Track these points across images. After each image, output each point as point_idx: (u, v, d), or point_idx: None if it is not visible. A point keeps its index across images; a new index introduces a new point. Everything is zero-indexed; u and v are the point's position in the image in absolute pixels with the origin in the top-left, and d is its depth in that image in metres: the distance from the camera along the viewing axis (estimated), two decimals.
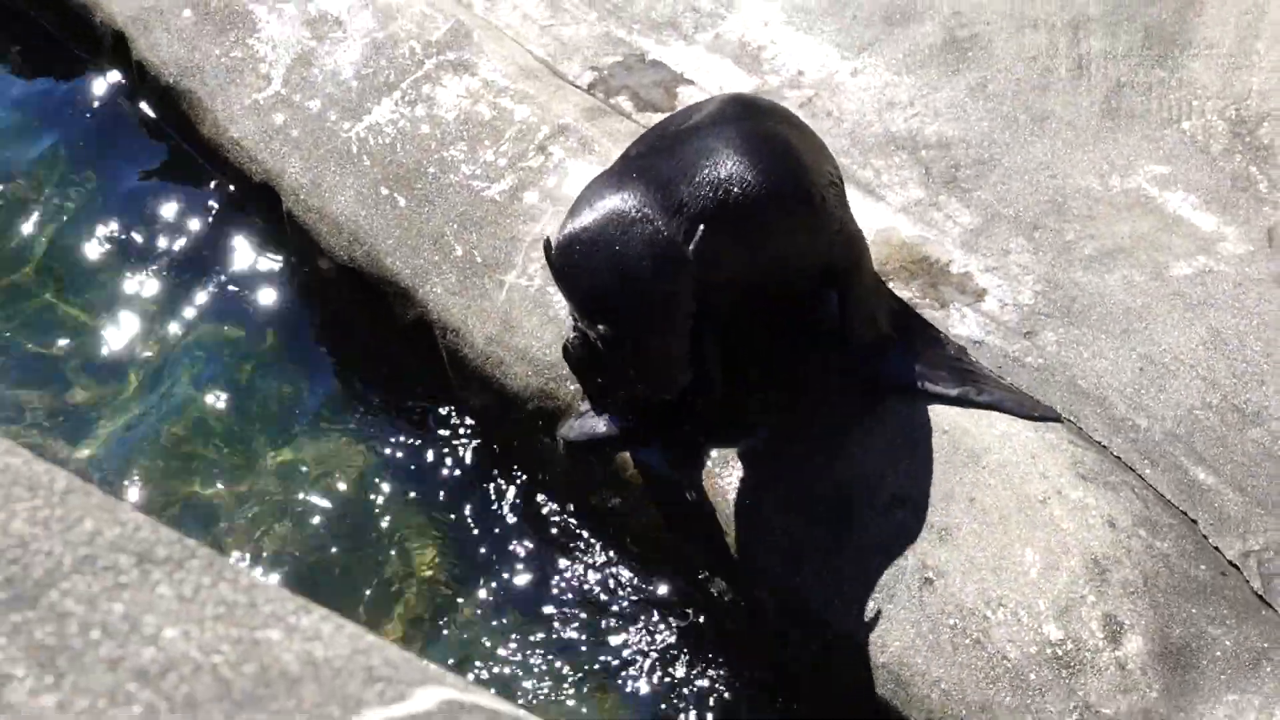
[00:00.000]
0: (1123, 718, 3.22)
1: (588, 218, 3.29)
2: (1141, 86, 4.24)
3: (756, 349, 3.72)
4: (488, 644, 3.89)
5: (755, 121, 3.53)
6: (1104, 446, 3.60)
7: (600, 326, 3.30)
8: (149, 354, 4.56)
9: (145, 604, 2.58)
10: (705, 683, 3.82)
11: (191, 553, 2.77)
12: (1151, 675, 3.26)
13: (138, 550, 2.70)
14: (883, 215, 4.04)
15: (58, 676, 2.47)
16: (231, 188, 4.66)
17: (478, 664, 3.84)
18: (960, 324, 3.83)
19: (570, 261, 3.31)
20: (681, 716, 3.76)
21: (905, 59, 4.39)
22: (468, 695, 2.55)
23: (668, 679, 3.82)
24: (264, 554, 4.11)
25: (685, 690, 3.79)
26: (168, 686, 2.47)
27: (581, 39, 4.52)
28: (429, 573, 4.03)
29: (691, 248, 3.25)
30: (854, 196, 3.87)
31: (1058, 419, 3.63)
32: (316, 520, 4.16)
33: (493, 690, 2.90)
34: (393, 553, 4.10)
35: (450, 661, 3.80)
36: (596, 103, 4.32)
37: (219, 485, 4.25)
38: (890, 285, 3.89)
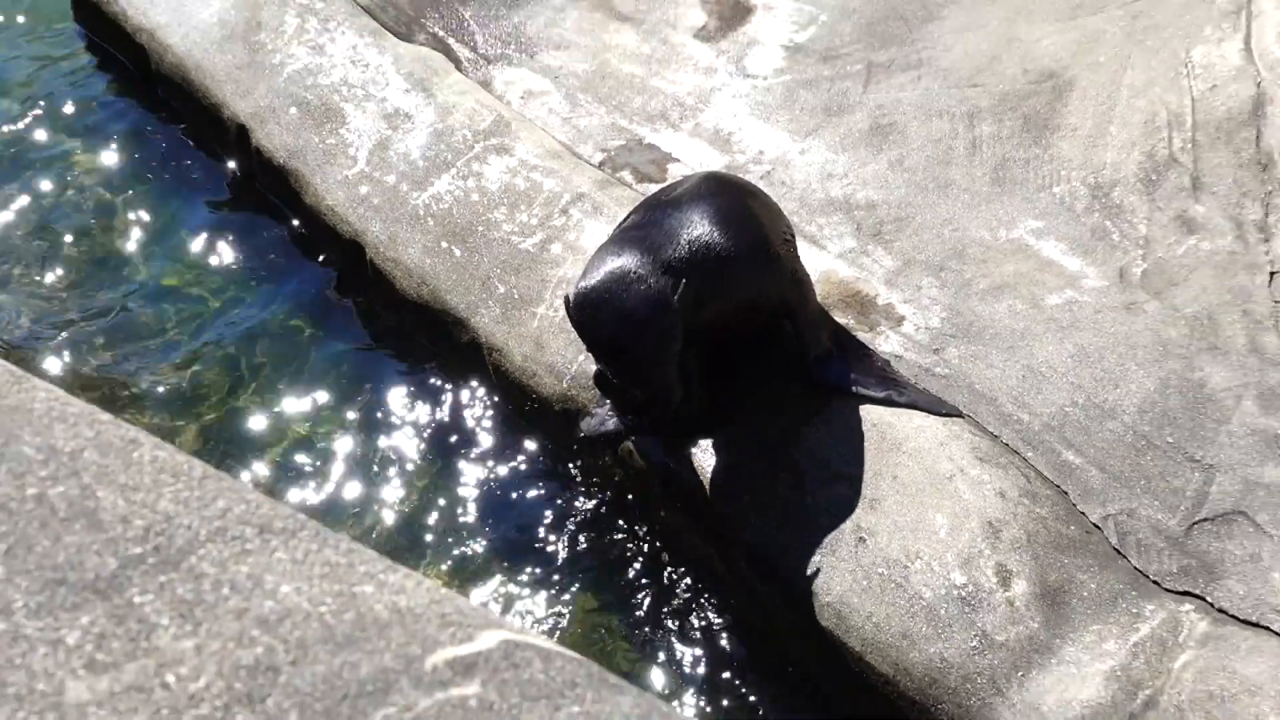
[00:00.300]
0: (1012, 643, 3.25)
1: (596, 279, 3.36)
2: (1021, 161, 4.27)
3: (730, 365, 3.80)
4: (522, 591, 3.91)
5: (724, 195, 3.62)
6: (995, 436, 3.68)
7: (607, 364, 3.41)
8: (261, 360, 4.56)
9: (265, 566, 2.56)
10: (688, 617, 3.83)
11: (302, 525, 2.74)
12: (1034, 611, 3.30)
13: (259, 523, 2.68)
14: (825, 260, 4.09)
15: (195, 625, 2.44)
16: (327, 243, 4.62)
17: (517, 608, 3.86)
18: (885, 343, 3.87)
19: (584, 315, 3.38)
20: (669, 642, 3.76)
21: (840, 141, 4.41)
22: (522, 637, 2.53)
23: (659, 615, 3.88)
24: (353, 521, 4.14)
25: (671, 623, 3.85)
26: (283, 631, 2.45)
27: (594, 128, 4.53)
28: (477, 536, 4.02)
29: (676, 298, 3.31)
30: (803, 246, 3.98)
31: (960, 415, 3.72)
32: (386, 492, 4.23)
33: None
34: (449, 519, 4.13)
35: (498, 607, 3.75)
36: (606, 176, 4.36)
37: (320, 462, 4.29)
38: (831, 313, 3.95)
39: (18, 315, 4.74)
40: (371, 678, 2.43)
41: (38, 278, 4.88)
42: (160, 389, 4.49)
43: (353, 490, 4.21)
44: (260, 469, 4.30)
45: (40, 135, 5.46)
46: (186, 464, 2.91)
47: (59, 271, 4.91)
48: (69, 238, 5.03)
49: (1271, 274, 3.93)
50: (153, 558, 2.60)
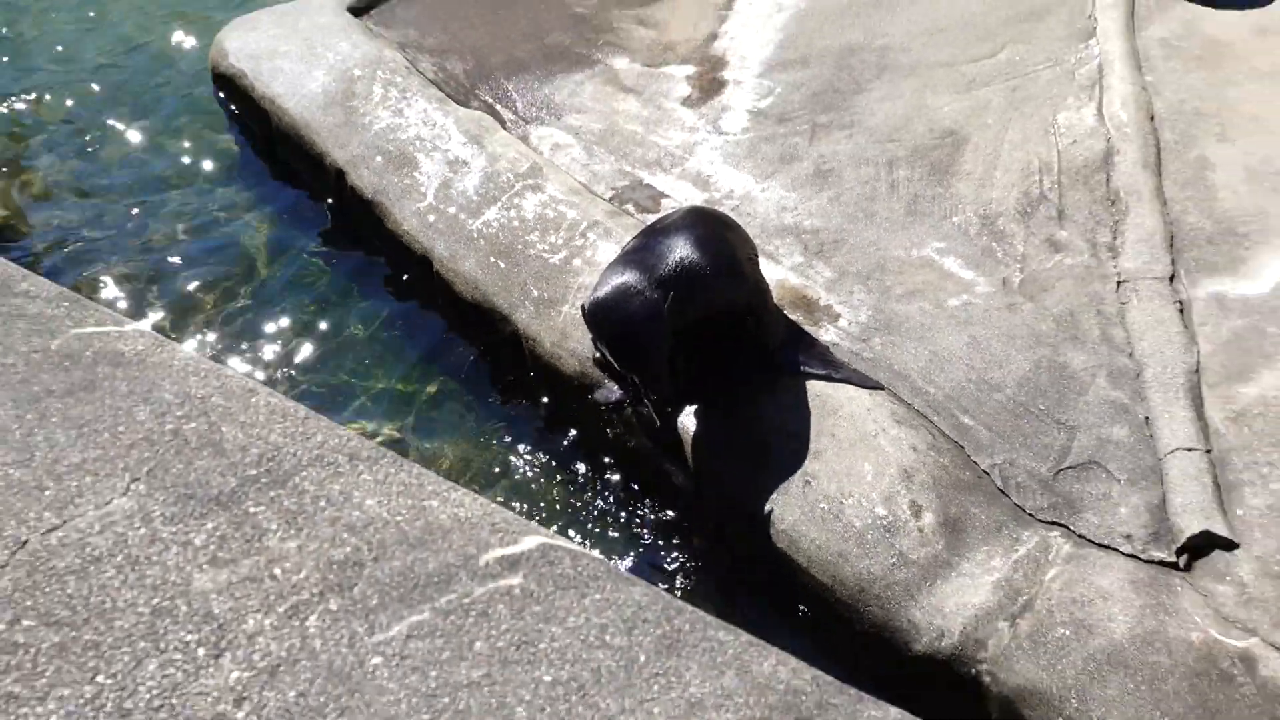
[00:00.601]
0: (923, 560, 3.25)
1: (604, 292, 3.38)
2: (928, 197, 4.26)
3: (709, 353, 3.76)
4: (552, 509, 3.94)
5: (704, 224, 3.60)
6: (909, 404, 3.68)
7: (614, 357, 3.44)
8: (358, 347, 4.59)
9: (353, 485, 2.56)
10: (674, 546, 3.82)
11: (383, 454, 2.72)
12: (939, 536, 3.29)
13: (349, 452, 2.67)
14: (780, 272, 4.07)
15: (297, 530, 2.43)
16: (403, 259, 4.64)
17: (548, 519, 3.88)
18: (825, 334, 3.86)
19: (596, 320, 3.41)
20: (659, 555, 3.78)
21: (792, 182, 4.40)
22: (556, 541, 2.52)
23: (652, 536, 3.88)
24: (426, 452, 4.15)
25: (661, 550, 3.83)
26: (368, 535, 2.44)
27: (605, 172, 4.52)
28: (520, 469, 4.08)
29: (666, 307, 3.34)
30: (763, 261, 3.97)
31: (881, 388, 3.71)
32: (450, 436, 4.23)
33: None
34: (500, 456, 4.18)
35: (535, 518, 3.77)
36: (614, 208, 4.35)
37: (400, 413, 4.33)
38: (785, 311, 3.92)
39: (167, 306, 4.75)
40: (437, 571, 2.43)
41: (187, 281, 4.88)
42: (282, 364, 4.50)
43: (426, 431, 4.22)
44: (357, 411, 4.33)
45: (186, 174, 5.45)
46: (293, 407, 2.92)
47: (206, 277, 4.93)
48: (211, 249, 5.03)
49: (1118, 282, 3.91)
50: (265, 478, 2.60)
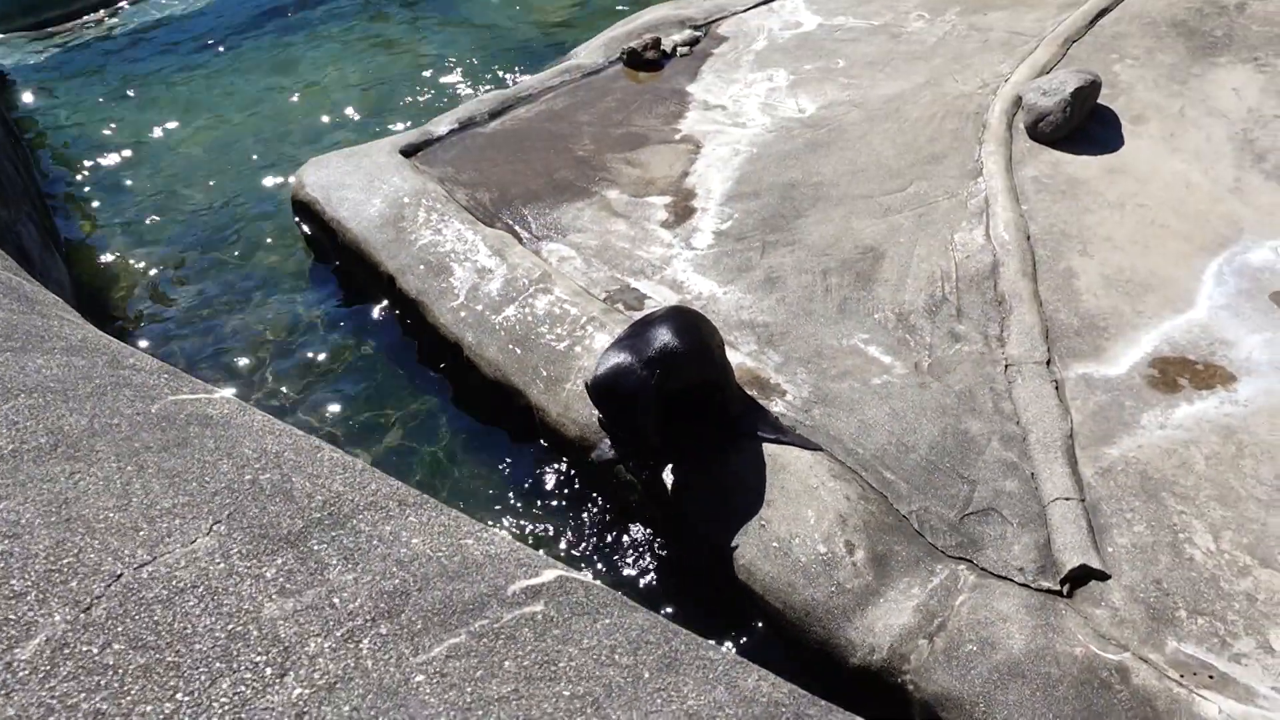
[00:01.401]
0: (856, 589, 3.14)
1: (603, 372, 3.34)
2: (855, 299, 4.24)
3: (684, 420, 3.67)
4: (558, 546, 3.77)
5: (681, 318, 3.55)
6: (843, 462, 3.59)
7: (611, 422, 3.41)
8: (397, 415, 4.52)
9: (401, 526, 2.43)
10: (658, 572, 3.67)
11: (426, 500, 2.60)
12: (869, 569, 3.18)
13: (398, 499, 2.55)
14: (739, 356, 4.03)
15: (354, 564, 2.30)
16: (439, 346, 4.56)
17: (558, 555, 3.73)
18: (775, 406, 3.80)
19: (597, 394, 3.38)
20: (647, 580, 3.61)
21: (747, 286, 4.37)
22: (571, 573, 2.40)
23: (641, 564, 3.74)
24: (458, 499, 4.03)
25: (650, 575, 3.66)
26: (414, 569, 2.31)
27: (601, 278, 4.48)
28: (532, 515, 3.91)
29: (654, 383, 3.30)
30: (727, 348, 3.85)
31: (821, 449, 3.65)
32: (475, 488, 4.12)
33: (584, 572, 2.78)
34: (517, 504, 4.05)
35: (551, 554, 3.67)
36: (608, 307, 4.33)
37: (436, 471, 4.28)
38: (744, 388, 3.82)
39: (249, 380, 4.67)
40: (472, 600, 2.32)
41: (267, 361, 4.84)
42: (342, 424, 4.42)
43: (456, 483, 4.12)
44: (399, 465, 4.23)
45: (270, 277, 5.41)
46: (352, 461, 2.83)
47: (282, 356, 4.88)
48: (287, 336, 4.97)
49: (1006, 366, 3.86)
50: (327, 520, 2.49)
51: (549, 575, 2.48)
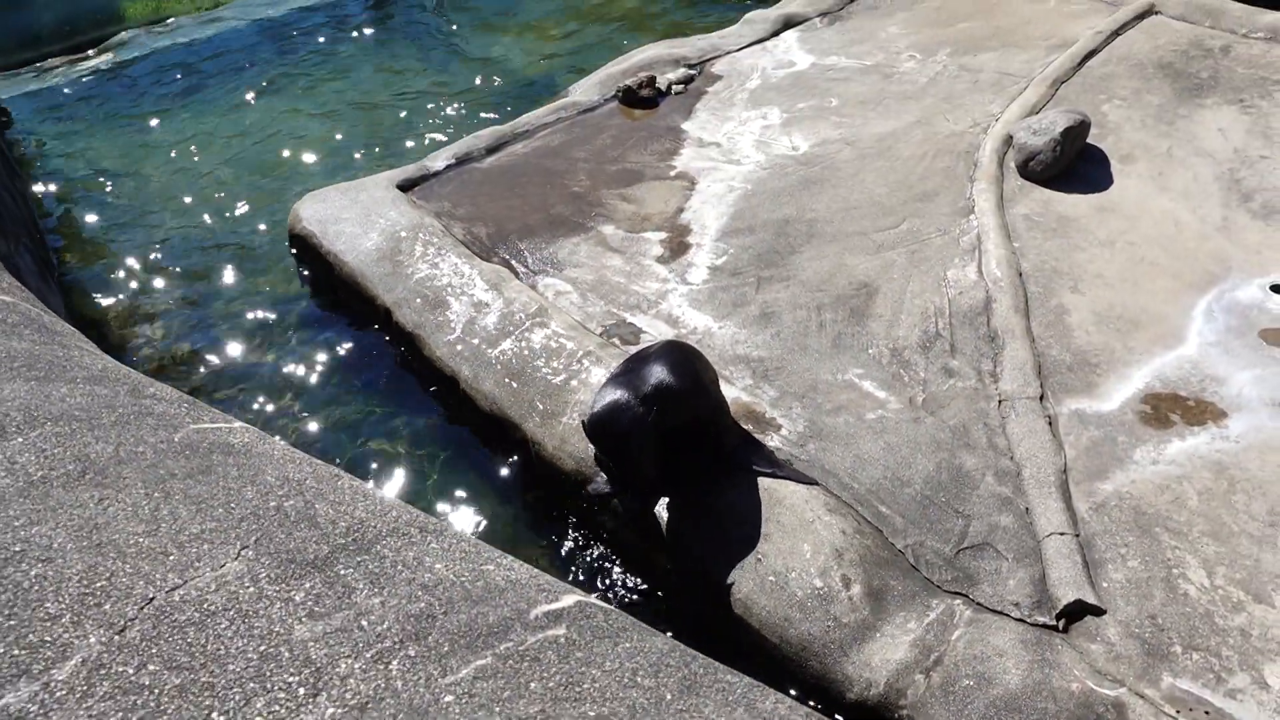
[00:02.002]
0: (853, 624, 3.14)
1: (600, 409, 3.34)
2: (849, 334, 4.28)
3: (681, 455, 3.67)
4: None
5: (676, 353, 3.57)
6: (839, 497, 3.60)
7: (609, 458, 3.40)
8: (401, 446, 4.51)
9: (424, 551, 2.45)
10: (650, 601, 3.66)
11: (447, 527, 2.63)
12: (865, 604, 3.19)
13: (420, 525, 2.57)
14: (734, 391, 4.05)
15: (380, 588, 2.32)
16: (436, 379, 4.57)
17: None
18: (770, 440, 3.82)
19: (594, 431, 3.37)
20: (644, 616, 3.61)
21: (742, 321, 4.41)
22: (590, 599, 2.42)
23: (635, 600, 3.74)
24: (464, 526, 4.01)
25: (643, 604, 3.63)
26: (438, 593, 2.33)
27: (597, 312, 4.51)
28: (531, 547, 3.90)
29: (650, 420, 3.30)
30: (722, 383, 3.91)
31: (816, 484, 3.66)
32: (475, 518, 4.05)
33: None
34: (513, 534, 4.05)
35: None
36: (604, 341, 4.35)
37: (437, 498, 4.19)
38: (739, 422, 3.85)
39: (255, 410, 4.67)
40: (496, 623, 2.34)
41: (268, 393, 4.85)
42: (339, 457, 4.41)
43: (458, 517, 4.10)
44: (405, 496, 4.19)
45: (267, 311, 5.43)
46: (372, 489, 2.88)
47: (282, 388, 4.90)
48: (286, 368, 4.98)
49: (999, 401, 3.90)
50: (352, 546, 2.51)
51: (569, 600, 2.52)
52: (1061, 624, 3.09)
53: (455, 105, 7.60)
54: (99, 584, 2.18)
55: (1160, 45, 6.46)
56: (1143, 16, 6.83)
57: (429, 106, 7.61)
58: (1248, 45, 6.35)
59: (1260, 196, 5.00)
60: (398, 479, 4.32)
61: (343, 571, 2.38)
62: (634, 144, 5.93)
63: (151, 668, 2.02)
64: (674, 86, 6.52)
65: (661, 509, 3.61)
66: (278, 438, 3.08)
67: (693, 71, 6.71)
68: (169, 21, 9.57)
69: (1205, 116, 5.68)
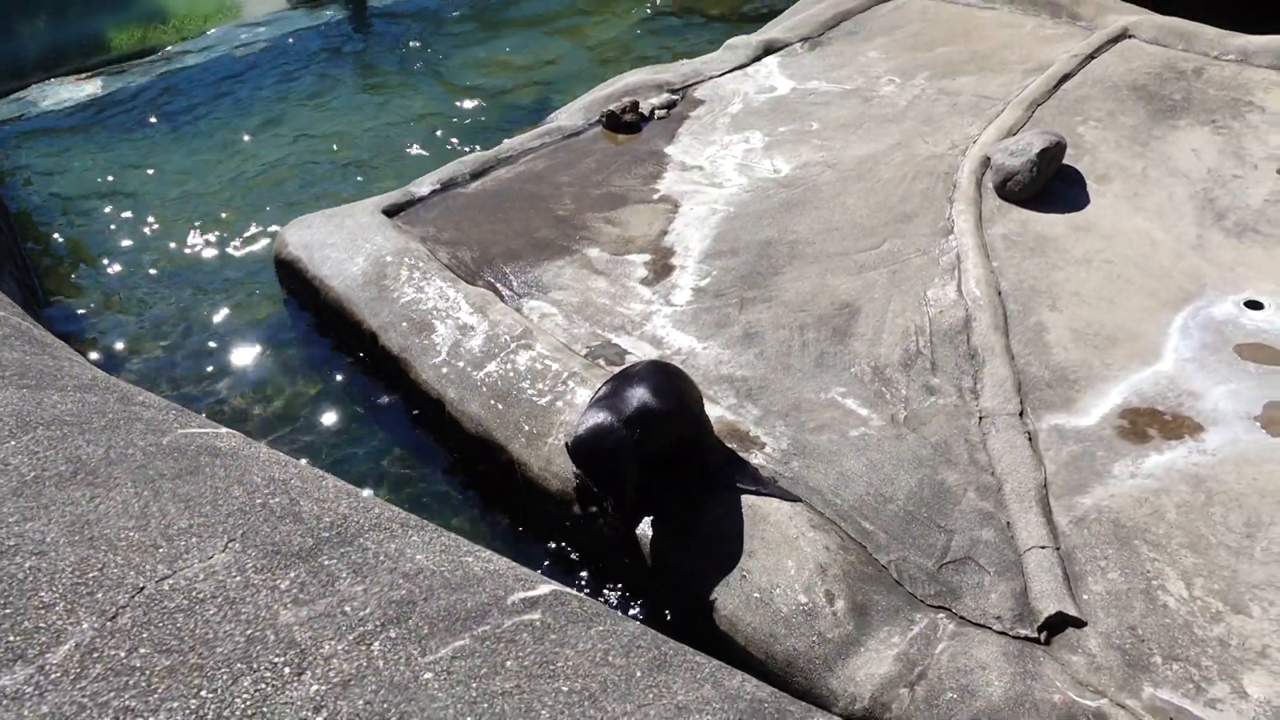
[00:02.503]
0: (837, 640, 3.18)
1: (584, 432, 3.37)
2: (832, 354, 4.33)
3: (665, 474, 3.72)
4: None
5: (660, 374, 3.61)
6: (822, 513, 3.65)
7: (592, 482, 3.42)
8: (386, 468, 4.50)
9: (406, 544, 2.51)
10: (635, 614, 3.69)
11: (427, 524, 2.71)
12: (849, 619, 3.23)
13: (401, 521, 2.63)
14: (718, 410, 4.09)
15: (363, 577, 2.38)
16: (422, 402, 4.58)
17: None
18: (754, 458, 3.87)
19: (579, 454, 3.40)
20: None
21: (726, 341, 4.46)
22: (564, 588, 2.47)
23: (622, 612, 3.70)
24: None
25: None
26: (419, 581, 2.39)
27: (582, 334, 4.56)
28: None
29: (634, 441, 3.34)
30: (706, 402, 3.94)
31: (800, 500, 3.70)
32: (461, 531, 4.06)
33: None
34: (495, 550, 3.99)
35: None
36: (589, 362, 4.40)
37: (422, 509, 4.21)
38: (723, 441, 3.88)
39: (245, 431, 4.70)
40: (474, 609, 2.41)
41: (251, 413, 4.88)
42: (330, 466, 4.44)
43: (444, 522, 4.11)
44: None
45: (252, 336, 5.45)
46: (355, 489, 2.96)
47: (266, 410, 4.93)
48: (269, 392, 5.01)
49: (980, 418, 3.96)
50: (336, 539, 2.59)
51: (545, 589, 2.60)
52: (1043, 636, 3.13)
53: (440, 131, 7.67)
54: (91, 574, 2.26)
55: (1134, 68, 6.59)
56: (1116, 40, 6.97)
57: (414, 132, 7.68)
58: (1219, 67, 6.50)
59: (1233, 215, 5.10)
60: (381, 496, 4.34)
61: (326, 562, 2.46)
62: (618, 168, 6.01)
63: (142, 651, 2.10)
64: (657, 111, 6.61)
65: (646, 527, 3.64)
66: (262, 444, 3.14)
67: (675, 96, 6.80)
68: (155, 50, 9.64)
69: (1179, 137, 5.80)
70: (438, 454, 4.54)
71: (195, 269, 6.13)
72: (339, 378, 5.06)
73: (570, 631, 2.44)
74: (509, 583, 2.59)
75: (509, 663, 2.27)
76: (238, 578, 2.35)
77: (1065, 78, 6.52)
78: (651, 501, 3.64)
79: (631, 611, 3.70)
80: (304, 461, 3.07)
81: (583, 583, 3.85)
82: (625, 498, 3.44)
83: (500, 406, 4.23)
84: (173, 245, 6.39)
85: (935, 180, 5.57)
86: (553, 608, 2.51)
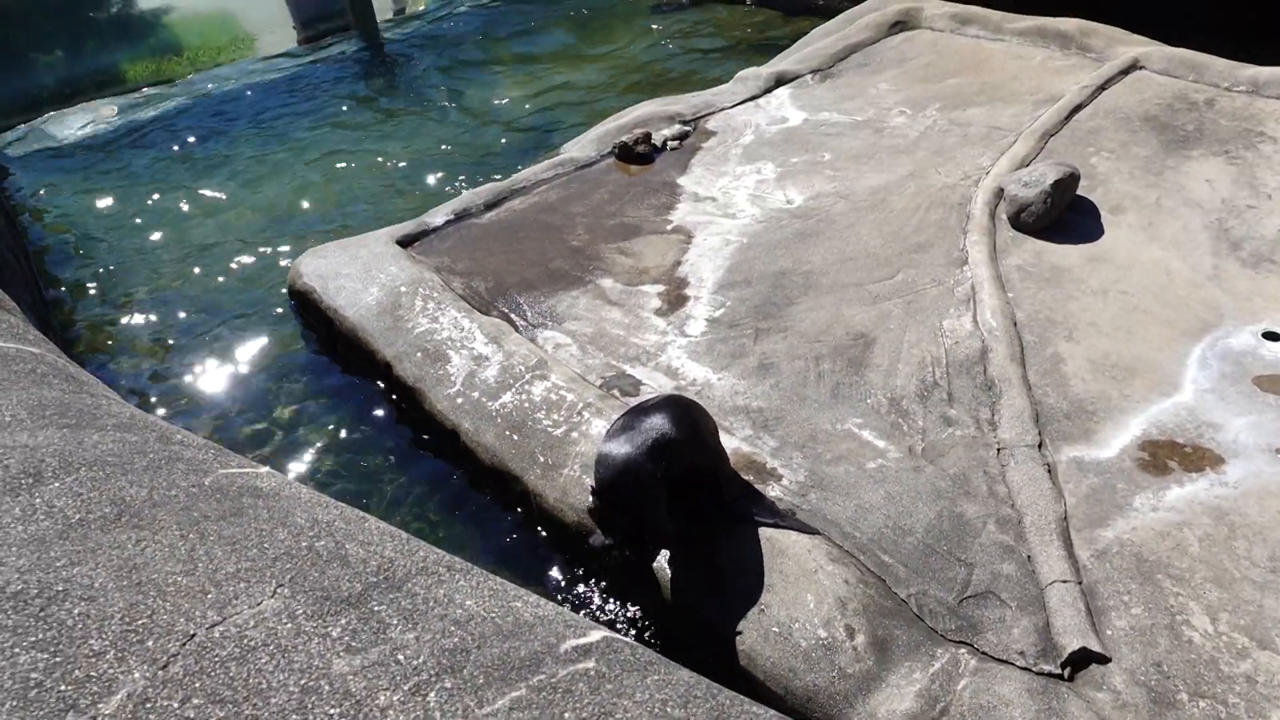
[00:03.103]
0: (857, 675, 3.14)
1: (611, 472, 3.35)
2: (848, 384, 4.31)
3: (681, 507, 3.65)
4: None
5: (678, 407, 3.59)
6: (841, 546, 3.60)
7: (624, 517, 3.38)
8: (402, 497, 4.48)
9: (454, 589, 2.49)
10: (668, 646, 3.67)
11: (473, 567, 2.68)
12: (869, 654, 3.19)
13: (447, 565, 2.60)
14: (734, 442, 4.08)
15: (414, 624, 2.36)
16: (436, 432, 4.60)
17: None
18: (771, 490, 3.84)
19: (605, 493, 3.37)
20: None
21: (741, 372, 4.46)
22: (614, 635, 2.44)
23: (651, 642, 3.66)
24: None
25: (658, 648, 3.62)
26: (471, 628, 2.37)
27: (596, 365, 4.55)
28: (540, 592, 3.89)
29: (660, 475, 3.34)
30: (722, 434, 3.93)
31: (818, 533, 3.67)
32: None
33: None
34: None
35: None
36: (604, 393, 4.39)
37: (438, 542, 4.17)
38: (740, 473, 3.87)
39: (264, 462, 4.70)
40: (528, 657, 2.38)
41: (271, 444, 4.85)
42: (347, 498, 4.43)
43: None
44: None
45: (269, 365, 5.47)
46: (398, 531, 2.94)
47: (283, 441, 4.92)
48: (287, 424, 5.02)
49: (998, 449, 3.94)
50: (384, 584, 2.56)
51: (596, 635, 2.56)
52: (1067, 672, 3.09)
53: (453, 162, 7.74)
54: (140, 621, 2.23)
55: (1145, 99, 6.63)
56: (1127, 71, 7.01)
57: (427, 163, 7.75)
58: (1231, 98, 6.53)
59: (1249, 245, 5.10)
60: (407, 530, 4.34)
61: (376, 608, 2.43)
62: (631, 199, 6.04)
63: (195, 701, 2.07)
64: (669, 142, 6.66)
65: (663, 560, 3.63)
66: (302, 484, 3.15)
67: (687, 128, 6.86)
68: (169, 82, 9.76)
69: (1192, 168, 5.81)
70: (457, 487, 4.54)
71: (209, 299, 6.17)
72: (355, 409, 5.07)
73: (626, 681, 2.39)
74: (559, 629, 2.55)
75: (567, 714, 2.21)
76: (289, 624, 2.32)
77: (1077, 109, 6.56)
78: (670, 532, 3.63)
79: (649, 640, 3.69)
80: (344, 502, 3.06)
81: (590, 601, 3.83)
82: (662, 530, 3.42)
83: (515, 437, 4.23)
84: (187, 275, 6.44)
85: (949, 211, 5.58)
86: (605, 655, 2.47)
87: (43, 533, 2.50)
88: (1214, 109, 6.41)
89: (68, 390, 3.42)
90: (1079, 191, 5.53)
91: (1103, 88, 6.81)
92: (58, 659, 2.11)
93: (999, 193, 5.60)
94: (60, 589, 2.30)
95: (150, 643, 2.19)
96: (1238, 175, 5.69)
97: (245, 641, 2.23)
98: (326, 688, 2.15)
